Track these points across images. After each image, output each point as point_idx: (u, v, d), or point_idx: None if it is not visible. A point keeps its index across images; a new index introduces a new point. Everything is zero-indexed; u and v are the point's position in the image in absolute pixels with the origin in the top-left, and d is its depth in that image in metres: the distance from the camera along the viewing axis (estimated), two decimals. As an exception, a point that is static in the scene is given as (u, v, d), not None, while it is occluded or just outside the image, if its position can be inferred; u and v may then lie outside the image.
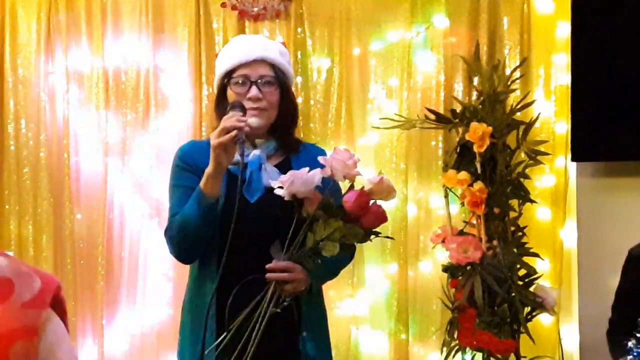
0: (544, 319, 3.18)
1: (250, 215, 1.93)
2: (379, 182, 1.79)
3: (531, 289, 1.80)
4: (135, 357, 3.52)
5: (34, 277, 0.93)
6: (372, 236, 1.83)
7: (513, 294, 1.74)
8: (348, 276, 3.38)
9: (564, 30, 3.35)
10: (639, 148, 3.13)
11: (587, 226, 3.32)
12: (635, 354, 1.92)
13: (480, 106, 1.80)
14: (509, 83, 1.83)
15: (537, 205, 3.21)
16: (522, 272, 1.79)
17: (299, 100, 3.31)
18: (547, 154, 1.86)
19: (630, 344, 1.93)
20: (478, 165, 1.76)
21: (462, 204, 1.79)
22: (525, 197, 1.82)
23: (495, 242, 1.77)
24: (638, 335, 1.94)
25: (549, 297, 1.80)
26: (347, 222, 1.76)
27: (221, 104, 2.05)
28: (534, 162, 1.80)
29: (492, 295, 1.73)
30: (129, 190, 3.53)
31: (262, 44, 2.08)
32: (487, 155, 1.76)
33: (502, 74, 1.82)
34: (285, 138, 2.08)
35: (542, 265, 2.89)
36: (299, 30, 3.53)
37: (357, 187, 1.83)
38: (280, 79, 2.03)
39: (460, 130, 1.81)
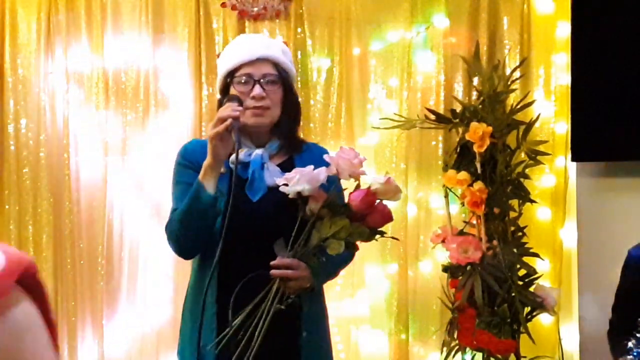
0: (544, 319, 3.17)
1: (253, 214, 1.93)
2: (386, 182, 1.79)
3: (531, 289, 1.80)
4: (135, 357, 3.52)
5: None
6: (378, 235, 1.83)
7: (513, 294, 1.74)
8: (348, 276, 3.38)
9: (564, 30, 3.35)
10: (639, 148, 3.13)
11: (587, 226, 3.31)
12: (635, 354, 1.92)
13: (480, 106, 1.80)
14: (509, 83, 1.83)
15: (537, 205, 3.20)
16: (522, 272, 1.79)
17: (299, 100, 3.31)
18: (547, 154, 1.86)
19: (630, 344, 1.93)
20: (478, 165, 1.76)
21: (462, 204, 1.79)
22: (525, 197, 1.82)
23: (495, 242, 1.77)
24: (638, 335, 1.94)
25: (549, 297, 1.80)
26: (353, 221, 1.76)
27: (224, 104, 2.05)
28: (534, 162, 1.80)
29: (492, 295, 1.73)
30: (129, 190, 3.53)
31: (265, 42, 2.08)
32: (487, 155, 1.76)
33: (502, 74, 1.82)
34: (288, 137, 2.08)
35: (542, 265, 2.89)
36: (299, 30, 3.53)
37: (361, 187, 1.83)
38: (283, 78, 2.04)
39: (460, 130, 1.81)
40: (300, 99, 3.32)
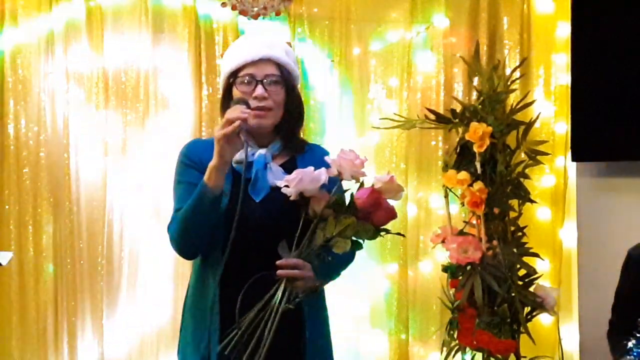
0: (544, 319, 3.18)
1: (256, 214, 1.93)
2: (389, 181, 1.79)
3: (531, 289, 1.80)
4: (135, 357, 3.52)
5: None
6: (383, 233, 1.84)
7: (513, 294, 1.73)
8: (348, 276, 3.37)
9: (564, 30, 3.35)
10: (639, 148, 3.13)
11: (587, 226, 3.32)
12: (635, 354, 1.92)
13: (480, 106, 1.80)
14: (509, 83, 1.83)
15: (537, 205, 3.21)
16: (522, 272, 1.79)
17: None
18: (547, 154, 1.85)
19: (630, 344, 1.93)
20: (478, 165, 1.76)
21: (462, 204, 1.79)
22: (525, 197, 1.82)
23: (495, 242, 1.77)
24: (638, 335, 1.94)
25: (549, 297, 1.80)
26: (358, 219, 1.77)
27: (227, 104, 2.05)
28: (534, 162, 1.80)
29: (492, 295, 1.73)
30: (129, 190, 3.53)
31: (268, 43, 2.07)
32: (487, 155, 1.76)
33: (502, 74, 1.82)
34: (291, 138, 2.08)
35: (542, 265, 2.89)
36: (299, 30, 3.53)
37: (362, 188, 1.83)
38: (285, 78, 2.03)
39: (460, 130, 1.81)
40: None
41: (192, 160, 2.04)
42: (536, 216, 3.32)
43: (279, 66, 2.03)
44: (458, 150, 1.81)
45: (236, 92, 2.02)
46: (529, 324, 1.76)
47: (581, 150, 3.21)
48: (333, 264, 1.88)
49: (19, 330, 3.48)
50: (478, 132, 1.72)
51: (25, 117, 3.50)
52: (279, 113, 2.03)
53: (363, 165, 1.80)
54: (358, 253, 1.92)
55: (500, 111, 1.80)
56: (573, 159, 3.25)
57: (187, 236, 1.95)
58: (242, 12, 3.50)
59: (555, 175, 3.37)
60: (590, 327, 3.15)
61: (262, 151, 2.01)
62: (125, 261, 3.52)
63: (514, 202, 1.82)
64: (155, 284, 3.50)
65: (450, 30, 3.47)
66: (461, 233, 1.84)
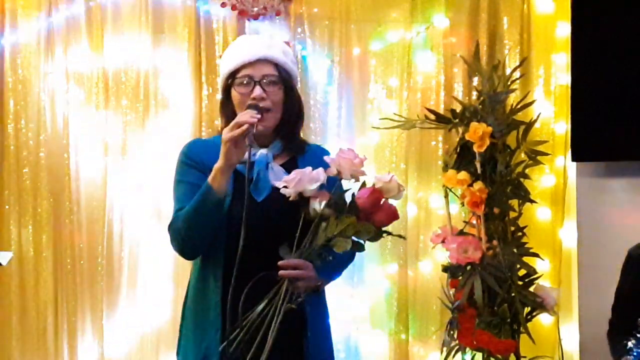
0: (544, 319, 3.18)
1: (258, 214, 1.93)
2: (389, 180, 1.79)
3: (531, 289, 1.80)
4: (135, 357, 3.52)
5: None
6: (385, 234, 1.84)
7: (513, 294, 1.73)
8: (348, 276, 3.38)
9: (564, 30, 3.35)
10: (639, 148, 3.13)
11: (587, 226, 3.31)
12: (635, 354, 1.92)
13: (480, 106, 1.80)
14: (509, 83, 1.83)
15: (537, 205, 3.21)
16: (522, 272, 1.79)
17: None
18: (547, 154, 1.85)
19: (630, 344, 1.93)
20: (478, 165, 1.76)
21: (462, 204, 1.79)
22: (525, 197, 1.82)
23: (495, 242, 1.77)
24: (638, 335, 1.94)
25: (549, 297, 1.80)
26: (359, 219, 1.77)
27: (226, 106, 2.05)
28: (533, 162, 1.80)
29: (492, 295, 1.73)
30: (129, 190, 3.53)
31: (266, 43, 2.07)
32: (487, 155, 1.76)
33: (502, 74, 1.82)
34: (291, 138, 2.08)
35: (542, 265, 2.89)
36: (299, 30, 3.53)
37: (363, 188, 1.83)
38: (284, 79, 2.03)
39: (460, 130, 1.81)
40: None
41: (193, 160, 2.04)
42: (536, 216, 3.32)
43: (277, 66, 2.03)
44: (458, 150, 1.81)
45: (235, 94, 2.02)
46: (529, 324, 1.76)
47: (581, 150, 3.21)
48: (334, 264, 1.88)
49: (19, 330, 3.48)
50: (478, 132, 1.72)
51: (25, 117, 3.50)
52: (278, 114, 2.03)
53: (362, 164, 1.80)
54: (358, 253, 1.92)
55: (500, 111, 1.80)
56: (573, 159, 3.25)
57: (188, 236, 1.95)
58: (242, 12, 3.50)
59: (555, 175, 3.37)
60: (590, 327, 3.15)
61: (263, 151, 2.01)
62: (125, 261, 3.52)
63: (514, 202, 1.82)
64: (155, 284, 3.50)
65: (450, 30, 3.47)
66: (461, 233, 1.84)
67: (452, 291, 1.81)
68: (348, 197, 1.82)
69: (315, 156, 2.02)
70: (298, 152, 2.08)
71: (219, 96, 2.15)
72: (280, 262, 1.81)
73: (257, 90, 1.98)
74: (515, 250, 1.79)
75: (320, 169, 1.80)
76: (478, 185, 1.74)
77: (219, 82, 2.13)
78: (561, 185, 3.37)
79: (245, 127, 1.85)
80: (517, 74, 1.94)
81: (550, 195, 3.37)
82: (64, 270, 3.51)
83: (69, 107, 3.52)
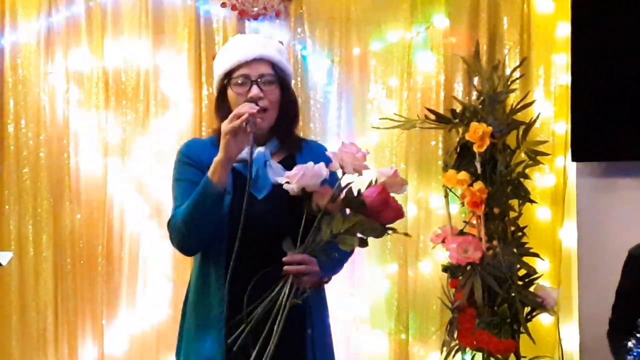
0: (544, 319, 3.18)
1: (259, 211, 1.93)
2: (393, 174, 1.79)
3: (531, 289, 1.80)
4: (135, 357, 3.52)
5: None
6: (390, 231, 1.85)
7: (513, 294, 1.74)
8: (348, 276, 3.38)
9: (564, 30, 3.35)
10: (639, 148, 3.13)
11: (587, 226, 3.31)
12: (635, 354, 1.92)
13: (480, 106, 1.81)
14: (509, 83, 1.83)
15: (536, 205, 3.21)
16: (522, 272, 1.79)
17: (299, 100, 3.32)
18: (547, 154, 1.86)
19: (630, 344, 1.93)
20: (478, 165, 1.77)
21: (462, 204, 1.79)
22: (525, 197, 1.82)
23: (495, 242, 1.77)
24: (638, 335, 1.94)
25: (549, 297, 1.80)
26: (366, 217, 1.77)
27: (221, 106, 2.05)
28: (533, 162, 1.80)
29: (492, 295, 1.73)
30: (129, 190, 3.53)
31: (261, 42, 2.08)
32: (487, 155, 1.77)
33: (502, 74, 1.82)
34: (287, 136, 2.08)
35: (542, 265, 2.89)
36: (299, 30, 3.53)
37: (364, 184, 1.83)
38: (280, 77, 2.03)
39: (460, 130, 1.82)
40: (300, 99, 3.34)
41: (191, 158, 2.04)
42: (536, 216, 3.32)
43: (273, 65, 2.03)
44: (458, 150, 1.82)
45: (231, 94, 2.02)
46: (529, 324, 1.77)
47: (581, 150, 3.21)
48: (338, 259, 1.89)
49: (19, 330, 3.48)
50: (478, 132, 1.72)
51: (25, 117, 3.50)
52: (275, 112, 2.03)
53: (365, 158, 1.80)
54: (358, 254, 1.92)
55: (500, 111, 1.80)
56: (573, 159, 3.25)
57: (187, 232, 1.95)
58: (242, 12, 3.50)
59: (555, 175, 3.37)
60: (590, 327, 3.15)
61: (261, 149, 2.01)
62: (125, 261, 3.52)
63: (514, 202, 1.82)
64: (155, 284, 3.50)
65: (450, 30, 3.47)
66: (461, 233, 1.84)
67: (452, 291, 1.81)
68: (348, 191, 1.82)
69: (313, 153, 2.03)
70: (295, 149, 2.08)
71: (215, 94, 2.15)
72: (285, 258, 1.81)
73: (255, 90, 1.98)
74: (515, 250, 1.79)
75: (322, 164, 1.80)
76: (478, 185, 1.74)
77: (214, 82, 2.12)
78: (561, 185, 3.37)
79: (245, 116, 1.85)
80: (517, 74, 1.95)
81: (550, 195, 3.37)
82: (64, 270, 3.51)
83: (69, 107, 3.52)
